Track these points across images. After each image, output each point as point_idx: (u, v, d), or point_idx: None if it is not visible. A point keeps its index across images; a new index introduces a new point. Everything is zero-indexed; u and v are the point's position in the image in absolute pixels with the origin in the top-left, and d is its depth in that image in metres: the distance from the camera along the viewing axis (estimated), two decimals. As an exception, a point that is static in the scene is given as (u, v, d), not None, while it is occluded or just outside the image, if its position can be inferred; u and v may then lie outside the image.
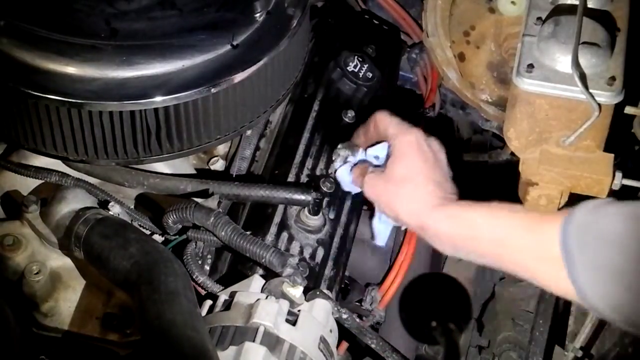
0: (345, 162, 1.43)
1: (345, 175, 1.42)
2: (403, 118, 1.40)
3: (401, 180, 1.31)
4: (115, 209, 1.37)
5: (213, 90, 1.34)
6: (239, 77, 1.37)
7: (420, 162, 1.32)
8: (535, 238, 1.18)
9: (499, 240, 1.23)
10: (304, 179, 1.49)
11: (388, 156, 1.35)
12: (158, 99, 1.31)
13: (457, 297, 1.05)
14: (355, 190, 1.43)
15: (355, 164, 1.41)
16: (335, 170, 1.44)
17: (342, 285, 1.45)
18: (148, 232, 1.40)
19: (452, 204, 1.28)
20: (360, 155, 1.41)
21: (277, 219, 1.41)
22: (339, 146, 1.44)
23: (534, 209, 1.54)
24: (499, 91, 1.77)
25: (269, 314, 1.19)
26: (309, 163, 1.51)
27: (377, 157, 1.39)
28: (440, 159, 1.36)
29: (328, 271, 1.40)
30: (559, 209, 1.53)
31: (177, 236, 1.37)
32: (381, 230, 1.40)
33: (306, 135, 1.55)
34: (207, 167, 1.58)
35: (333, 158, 1.45)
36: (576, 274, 1.09)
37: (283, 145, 1.54)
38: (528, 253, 1.19)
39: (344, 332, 1.33)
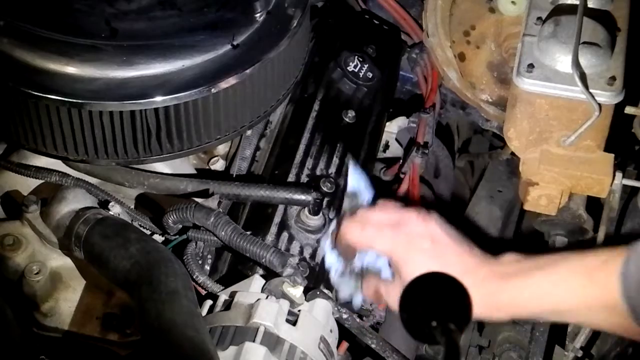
0: (342, 274, 1.35)
1: (355, 295, 1.35)
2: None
3: None
4: (115, 209, 1.37)
5: (213, 90, 1.34)
6: (239, 77, 1.37)
7: (427, 256, 1.24)
8: (596, 303, 1.16)
9: (557, 312, 1.21)
10: (304, 179, 1.49)
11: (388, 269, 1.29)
12: (158, 98, 1.31)
13: (457, 297, 1.04)
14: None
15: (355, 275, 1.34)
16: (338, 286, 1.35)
17: (342, 285, 1.45)
18: (148, 232, 1.40)
19: (489, 285, 1.21)
20: (356, 267, 1.33)
21: (277, 219, 1.41)
22: (328, 259, 1.35)
23: (534, 209, 1.54)
24: (499, 91, 1.77)
25: (269, 314, 1.19)
26: (309, 163, 1.51)
27: (376, 265, 1.31)
28: (436, 237, 1.27)
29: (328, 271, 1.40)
30: (559, 208, 1.53)
31: (178, 236, 1.37)
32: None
33: (306, 135, 1.55)
34: (207, 167, 1.58)
35: (327, 267, 1.35)
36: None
37: (283, 146, 1.54)
38: (592, 317, 1.18)
39: (344, 332, 1.33)
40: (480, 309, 1.17)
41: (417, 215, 1.28)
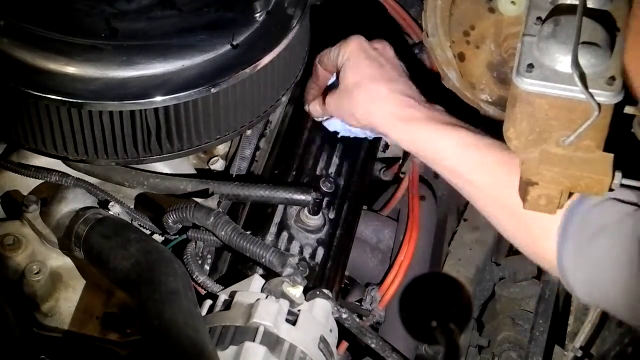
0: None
1: (331, 123, 1.49)
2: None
3: (354, 86, 1.33)
4: (115, 209, 1.37)
5: (213, 90, 1.34)
6: (239, 77, 1.37)
7: (368, 64, 1.33)
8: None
9: (470, 182, 1.25)
10: (304, 179, 1.49)
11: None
12: (158, 99, 1.31)
13: (457, 297, 1.05)
14: (353, 132, 1.49)
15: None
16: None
17: (342, 285, 1.45)
18: (148, 232, 1.40)
19: (416, 122, 1.28)
20: None
21: (277, 219, 1.41)
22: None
23: (534, 209, 1.54)
24: (499, 91, 1.77)
25: (269, 314, 1.19)
26: (309, 163, 1.51)
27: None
28: (389, 58, 1.37)
29: (328, 271, 1.40)
30: (559, 208, 1.53)
31: (178, 236, 1.37)
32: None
33: (306, 135, 1.55)
34: (207, 167, 1.58)
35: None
36: (565, 254, 1.09)
37: (283, 146, 1.54)
38: (508, 209, 1.20)
39: (344, 332, 1.33)
40: (392, 123, 1.30)
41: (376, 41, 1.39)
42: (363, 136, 1.52)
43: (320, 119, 1.53)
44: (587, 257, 1.09)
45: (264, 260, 1.28)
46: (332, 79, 1.47)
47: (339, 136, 1.52)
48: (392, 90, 1.31)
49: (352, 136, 1.52)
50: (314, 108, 1.49)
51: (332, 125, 1.52)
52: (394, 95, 1.31)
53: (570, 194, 1.54)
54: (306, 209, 1.41)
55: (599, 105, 1.42)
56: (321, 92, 1.46)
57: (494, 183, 1.18)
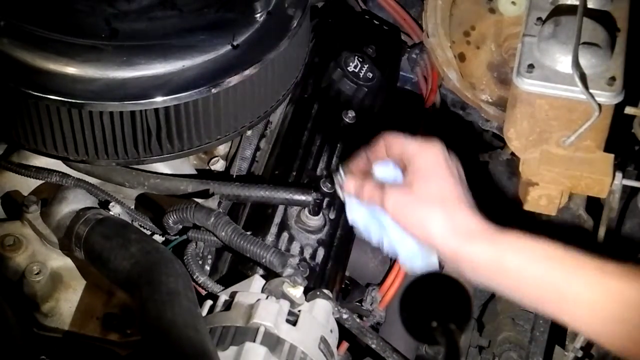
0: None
1: (354, 209, 1.26)
2: (414, 134, 1.25)
3: (433, 199, 1.16)
4: (115, 209, 1.37)
5: (213, 90, 1.34)
6: (239, 77, 1.37)
7: (451, 181, 1.18)
8: (598, 296, 1.06)
9: (557, 298, 1.10)
10: (304, 179, 1.49)
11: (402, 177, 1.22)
12: (158, 99, 1.31)
13: (457, 297, 1.04)
14: (369, 230, 1.26)
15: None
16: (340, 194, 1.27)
17: (343, 285, 1.45)
18: (148, 233, 1.40)
19: (496, 236, 1.13)
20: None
21: (277, 219, 1.41)
22: (336, 167, 1.28)
23: (534, 209, 1.54)
24: (499, 91, 1.77)
25: (269, 314, 1.19)
26: (309, 163, 1.51)
27: (387, 179, 1.23)
28: (462, 176, 1.22)
29: (328, 271, 1.40)
30: (559, 209, 1.54)
31: (178, 236, 1.37)
32: (408, 248, 1.22)
33: (306, 135, 1.55)
34: (207, 168, 1.58)
35: (335, 180, 1.28)
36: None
37: (283, 146, 1.54)
38: (589, 310, 1.07)
39: (344, 332, 1.33)
40: (455, 263, 1.13)
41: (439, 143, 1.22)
42: (386, 246, 1.25)
43: (345, 199, 1.27)
44: None
45: (264, 260, 1.28)
46: (387, 167, 1.24)
47: (352, 224, 1.28)
48: (471, 212, 1.16)
49: (370, 237, 1.27)
50: (357, 187, 1.25)
51: (354, 212, 1.26)
52: (473, 220, 1.15)
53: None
54: (306, 209, 1.41)
55: (599, 105, 1.42)
56: (366, 170, 1.26)
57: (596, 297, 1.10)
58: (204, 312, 1.24)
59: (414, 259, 1.21)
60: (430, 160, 1.19)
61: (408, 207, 1.17)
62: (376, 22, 1.86)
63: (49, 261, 1.38)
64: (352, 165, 1.28)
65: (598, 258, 1.10)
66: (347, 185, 1.26)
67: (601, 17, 1.49)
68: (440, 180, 1.17)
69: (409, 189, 1.18)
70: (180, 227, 1.37)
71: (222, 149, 1.59)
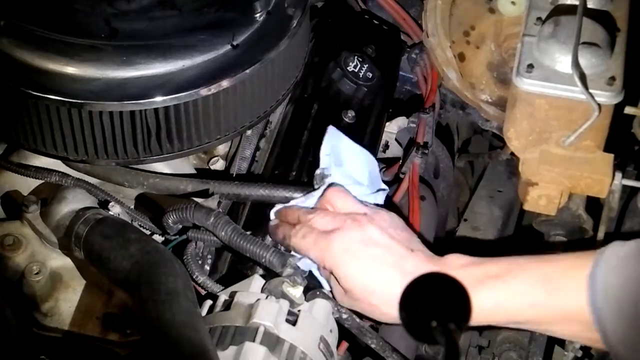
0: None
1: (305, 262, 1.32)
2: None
3: (363, 293, 1.23)
4: (115, 209, 1.37)
5: (213, 90, 1.34)
6: (239, 77, 1.37)
7: (365, 261, 1.23)
8: (559, 314, 1.14)
9: (520, 322, 1.18)
10: (304, 178, 1.49)
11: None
12: (158, 99, 1.31)
13: (457, 297, 1.04)
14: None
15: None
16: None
17: (342, 285, 1.45)
18: (148, 232, 1.40)
19: (480, 292, 1.17)
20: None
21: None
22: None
23: (534, 209, 1.54)
24: (499, 91, 1.77)
25: (269, 314, 1.19)
26: (309, 163, 1.51)
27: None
28: (382, 236, 1.25)
29: (328, 271, 1.40)
30: (559, 209, 1.53)
31: (177, 236, 1.37)
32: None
33: (306, 135, 1.55)
34: (207, 167, 1.58)
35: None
36: (610, 339, 1.07)
37: (283, 145, 1.54)
38: (555, 325, 1.16)
39: (344, 332, 1.33)
40: None
41: (352, 220, 1.27)
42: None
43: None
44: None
45: (263, 260, 1.28)
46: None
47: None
48: (406, 273, 1.20)
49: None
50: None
51: (305, 265, 1.32)
52: (422, 262, 1.22)
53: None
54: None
55: (599, 105, 1.42)
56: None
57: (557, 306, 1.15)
58: (204, 312, 1.24)
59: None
60: (334, 260, 1.24)
61: (353, 304, 1.26)
62: (376, 22, 1.86)
63: (48, 261, 1.38)
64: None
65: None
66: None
67: (601, 17, 1.49)
68: (356, 274, 1.22)
69: (346, 295, 1.26)
70: (180, 226, 1.37)
71: (222, 148, 1.59)
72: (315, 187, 1.37)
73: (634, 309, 1.06)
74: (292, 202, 1.37)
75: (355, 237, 1.25)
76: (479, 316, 1.13)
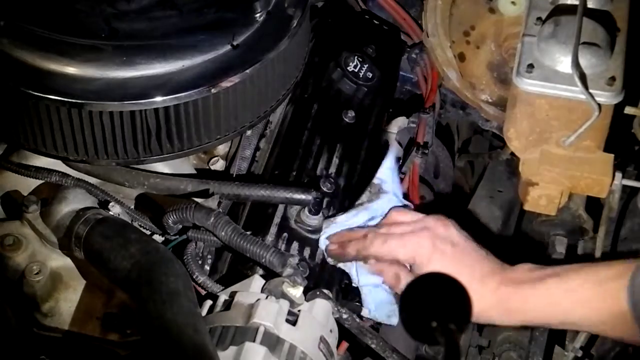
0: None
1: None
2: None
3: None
4: (115, 209, 1.37)
5: (213, 90, 1.34)
6: (239, 77, 1.37)
7: (449, 265, 1.28)
8: (605, 316, 1.20)
9: (566, 323, 1.27)
10: (304, 179, 1.49)
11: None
12: (158, 99, 1.31)
13: (457, 297, 1.04)
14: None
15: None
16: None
17: (342, 285, 1.45)
18: (148, 232, 1.40)
19: (507, 296, 1.26)
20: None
21: (277, 219, 1.41)
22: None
23: (534, 209, 1.54)
24: (499, 91, 1.77)
25: (269, 314, 1.19)
26: (309, 163, 1.51)
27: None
28: (457, 241, 1.33)
29: (328, 271, 1.40)
30: (559, 209, 1.54)
31: (178, 236, 1.37)
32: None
33: (306, 135, 1.55)
34: (207, 167, 1.58)
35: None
36: None
37: (283, 146, 1.54)
38: (600, 326, 1.23)
39: (344, 332, 1.33)
40: (493, 312, 1.27)
41: (436, 220, 1.34)
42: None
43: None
44: None
45: (263, 260, 1.28)
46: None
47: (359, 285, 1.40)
48: (482, 278, 1.28)
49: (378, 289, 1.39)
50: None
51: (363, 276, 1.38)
52: (485, 281, 1.28)
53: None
54: (306, 208, 1.40)
55: (599, 105, 1.42)
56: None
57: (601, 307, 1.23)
58: (204, 312, 1.24)
59: (380, 310, 1.37)
60: (425, 260, 1.31)
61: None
62: (376, 22, 1.86)
63: (48, 261, 1.38)
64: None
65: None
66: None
67: (601, 17, 1.49)
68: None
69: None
70: (180, 227, 1.37)
71: (222, 149, 1.59)
72: (366, 198, 1.42)
73: None
74: (340, 218, 1.40)
75: (442, 234, 1.32)
76: (534, 313, 1.25)
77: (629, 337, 1.23)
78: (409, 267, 1.35)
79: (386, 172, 1.45)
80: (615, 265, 1.24)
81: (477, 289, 1.25)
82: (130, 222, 1.38)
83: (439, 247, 1.31)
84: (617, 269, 1.22)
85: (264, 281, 1.27)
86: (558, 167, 1.48)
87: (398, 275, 1.35)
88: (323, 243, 1.40)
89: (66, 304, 1.38)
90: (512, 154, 1.62)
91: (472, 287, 1.20)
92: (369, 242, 1.35)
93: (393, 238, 1.34)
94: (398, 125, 1.76)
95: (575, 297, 1.23)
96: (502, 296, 1.27)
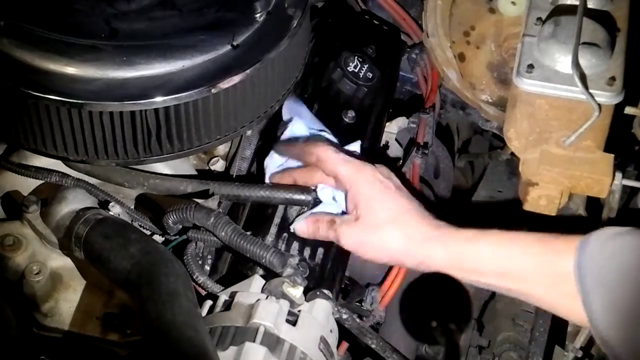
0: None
1: (304, 224, 1.37)
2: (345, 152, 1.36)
3: (383, 222, 1.27)
4: (115, 209, 1.37)
5: (213, 90, 1.34)
6: (239, 77, 1.37)
7: (392, 198, 1.28)
8: (547, 270, 1.17)
9: (506, 273, 1.21)
10: (304, 179, 1.49)
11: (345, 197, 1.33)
12: (158, 99, 1.31)
13: (457, 297, 1.05)
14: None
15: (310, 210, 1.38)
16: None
17: (342, 286, 1.45)
18: (148, 233, 1.40)
19: (449, 235, 1.24)
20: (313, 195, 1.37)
21: (277, 219, 1.41)
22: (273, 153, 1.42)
23: (534, 209, 1.54)
24: (499, 91, 1.77)
25: (269, 314, 1.19)
26: (309, 163, 1.51)
27: (333, 199, 1.36)
28: (399, 185, 1.33)
29: (328, 271, 1.40)
30: (559, 209, 1.54)
31: (178, 236, 1.37)
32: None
33: (306, 135, 1.55)
34: (207, 168, 1.58)
35: (265, 164, 1.42)
36: (592, 310, 1.09)
37: (283, 146, 1.54)
38: (539, 285, 1.18)
39: (344, 332, 1.33)
40: (427, 250, 1.24)
41: (380, 165, 1.34)
42: None
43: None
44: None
45: (264, 260, 1.28)
46: (327, 190, 1.37)
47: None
48: (422, 219, 1.27)
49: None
50: (313, 228, 1.36)
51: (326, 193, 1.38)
52: (425, 225, 1.27)
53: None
54: (306, 208, 1.40)
55: (599, 105, 1.42)
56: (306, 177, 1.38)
57: (544, 272, 1.20)
58: (204, 312, 1.24)
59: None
60: (367, 185, 1.30)
61: (363, 237, 1.28)
62: (376, 22, 1.86)
63: (48, 261, 1.38)
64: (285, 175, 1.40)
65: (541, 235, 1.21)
66: (301, 227, 1.36)
67: (601, 17, 1.49)
68: (382, 203, 1.27)
69: (357, 221, 1.29)
70: (180, 227, 1.37)
71: (222, 149, 1.59)
72: (279, 133, 1.44)
73: (618, 278, 1.07)
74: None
75: (386, 173, 1.32)
76: (475, 258, 1.21)
77: (564, 309, 1.19)
78: (344, 191, 1.33)
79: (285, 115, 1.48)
80: (564, 234, 1.21)
81: (416, 224, 1.24)
82: (130, 222, 1.38)
83: (382, 183, 1.30)
84: (567, 236, 1.19)
85: (264, 281, 1.27)
86: (558, 167, 1.49)
87: (330, 220, 1.33)
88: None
89: (66, 304, 1.38)
90: (512, 154, 1.62)
91: (410, 222, 1.23)
92: (320, 145, 1.35)
93: (342, 154, 1.33)
94: (398, 125, 1.76)
95: (520, 247, 1.20)
96: (441, 234, 1.23)
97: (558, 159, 1.49)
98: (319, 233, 1.35)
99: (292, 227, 1.38)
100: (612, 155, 1.50)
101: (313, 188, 1.35)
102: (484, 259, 1.22)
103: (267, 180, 1.43)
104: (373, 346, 1.32)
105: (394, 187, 1.30)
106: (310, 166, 1.37)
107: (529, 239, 1.21)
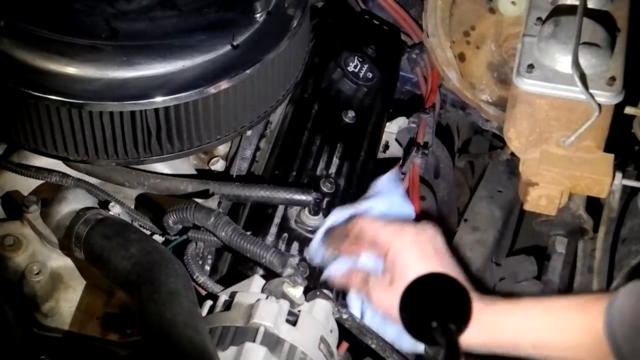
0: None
1: (339, 274, 1.34)
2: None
3: None
4: (115, 209, 1.37)
5: (213, 90, 1.34)
6: (239, 77, 1.37)
7: (425, 265, 1.24)
8: (581, 338, 1.17)
9: (541, 346, 1.21)
10: (304, 179, 1.49)
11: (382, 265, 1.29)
12: (158, 99, 1.31)
13: (457, 297, 1.05)
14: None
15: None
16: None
17: (343, 286, 1.45)
18: (148, 233, 1.40)
19: (479, 311, 1.18)
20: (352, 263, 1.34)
21: (277, 219, 1.41)
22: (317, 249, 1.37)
23: (534, 209, 1.54)
24: (499, 91, 1.77)
25: (269, 314, 1.19)
26: (309, 163, 1.51)
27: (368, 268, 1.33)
28: (439, 247, 1.29)
29: (328, 271, 1.40)
30: (559, 209, 1.54)
31: (178, 236, 1.37)
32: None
33: (306, 135, 1.55)
34: (207, 168, 1.58)
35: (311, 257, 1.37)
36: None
37: (283, 146, 1.54)
38: (575, 350, 1.18)
39: (344, 332, 1.33)
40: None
41: (426, 223, 1.31)
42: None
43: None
44: None
45: (264, 260, 1.28)
46: (369, 259, 1.32)
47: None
48: None
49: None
50: (347, 277, 1.33)
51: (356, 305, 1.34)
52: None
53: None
54: (306, 209, 1.41)
55: (599, 105, 1.42)
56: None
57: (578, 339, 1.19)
58: (204, 312, 1.24)
59: (400, 341, 1.31)
60: (404, 250, 1.26)
61: (394, 303, 1.20)
62: (376, 22, 1.86)
63: (49, 261, 1.38)
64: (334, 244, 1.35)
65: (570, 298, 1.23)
66: (335, 275, 1.33)
67: (601, 17, 1.49)
68: (416, 271, 1.19)
69: (391, 286, 1.26)
70: (180, 227, 1.37)
71: (222, 149, 1.59)
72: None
73: None
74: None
75: (429, 233, 1.29)
76: (507, 330, 1.21)
77: None
78: (382, 261, 1.30)
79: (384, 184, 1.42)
80: (593, 294, 1.23)
81: None
82: (130, 222, 1.38)
83: (420, 247, 1.26)
84: (597, 295, 1.20)
85: (264, 281, 1.27)
86: (558, 167, 1.49)
87: (364, 279, 1.31)
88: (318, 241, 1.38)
89: (66, 304, 1.38)
90: (512, 154, 1.62)
91: None
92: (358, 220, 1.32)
93: (379, 222, 1.31)
94: (398, 125, 1.76)
95: (551, 318, 1.20)
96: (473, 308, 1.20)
97: (558, 159, 1.49)
98: (351, 286, 1.33)
99: (325, 273, 1.35)
100: (612, 155, 1.50)
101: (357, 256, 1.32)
102: (518, 332, 1.22)
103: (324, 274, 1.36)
104: (373, 346, 1.32)
105: (433, 252, 1.27)
106: (356, 238, 1.33)
107: (557, 305, 1.22)
